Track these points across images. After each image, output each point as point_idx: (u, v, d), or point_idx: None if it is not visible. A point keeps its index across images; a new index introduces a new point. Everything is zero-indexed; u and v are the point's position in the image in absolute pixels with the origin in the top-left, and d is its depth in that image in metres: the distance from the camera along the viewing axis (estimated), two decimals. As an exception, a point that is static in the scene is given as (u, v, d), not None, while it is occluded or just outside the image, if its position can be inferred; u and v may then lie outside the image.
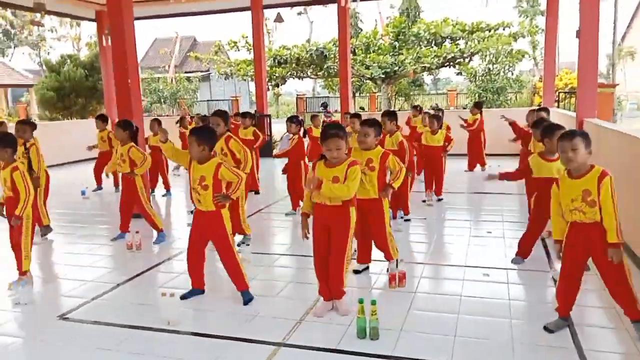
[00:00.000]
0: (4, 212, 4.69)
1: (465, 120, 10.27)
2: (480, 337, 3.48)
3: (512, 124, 7.75)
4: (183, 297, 4.23)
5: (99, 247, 5.96)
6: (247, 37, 20.35)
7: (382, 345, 3.41)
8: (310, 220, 3.90)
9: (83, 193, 9.03)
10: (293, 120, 7.11)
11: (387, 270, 4.56)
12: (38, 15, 11.40)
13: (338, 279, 3.83)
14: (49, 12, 11.65)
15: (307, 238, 3.89)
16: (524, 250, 4.87)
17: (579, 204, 3.29)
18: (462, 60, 20.72)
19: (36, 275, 4.96)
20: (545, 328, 3.52)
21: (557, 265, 4.57)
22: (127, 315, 4.02)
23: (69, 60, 18.91)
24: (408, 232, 6.10)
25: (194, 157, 4.06)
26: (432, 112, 9.94)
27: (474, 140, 10.25)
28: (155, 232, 6.10)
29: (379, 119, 5.21)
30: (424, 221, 6.55)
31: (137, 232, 5.77)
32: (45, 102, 18.15)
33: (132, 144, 5.92)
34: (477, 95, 20.80)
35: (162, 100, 27.68)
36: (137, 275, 4.97)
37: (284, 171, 7.07)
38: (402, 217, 6.46)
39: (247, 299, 4.18)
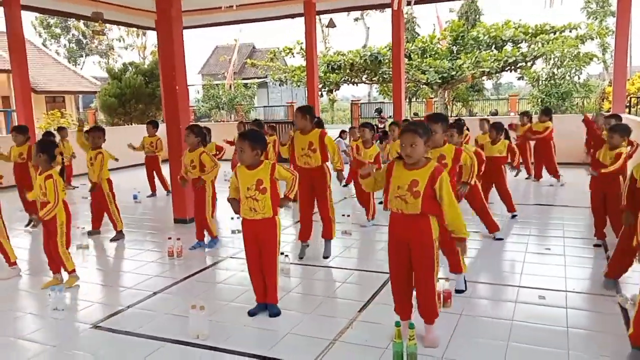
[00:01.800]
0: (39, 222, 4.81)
1: (515, 125, 9.54)
2: (532, 370, 3.12)
3: (588, 123, 6.97)
4: (252, 314, 4.04)
5: (142, 252, 5.97)
6: (302, 43, 20.38)
7: (420, 374, 3.12)
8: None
9: (135, 197, 9.20)
10: (367, 126, 6.84)
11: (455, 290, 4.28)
12: (101, 25, 11.78)
13: (430, 301, 3.38)
14: (111, 22, 12.06)
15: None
16: (614, 271, 4.36)
17: None
18: (524, 64, 19.84)
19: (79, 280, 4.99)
20: None
21: (627, 291, 4.10)
22: (159, 326, 3.93)
23: (130, 68, 19.64)
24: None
25: (246, 162, 3.87)
26: (489, 118, 9.46)
27: (544, 149, 9.33)
28: (207, 238, 6.11)
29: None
30: (477, 235, 6.13)
31: (178, 238, 5.73)
32: (106, 108, 18.91)
33: (203, 149, 5.91)
34: (539, 100, 19.82)
35: (220, 107, 28.30)
36: (175, 283, 4.90)
37: (348, 181, 6.89)
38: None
39: (274, 312, 4.02)
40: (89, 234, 6.64)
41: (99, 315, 4.19)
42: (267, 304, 4.07)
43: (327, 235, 5.49)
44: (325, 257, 5.48)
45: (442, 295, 4.04)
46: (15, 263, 5.24)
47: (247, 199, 3.87)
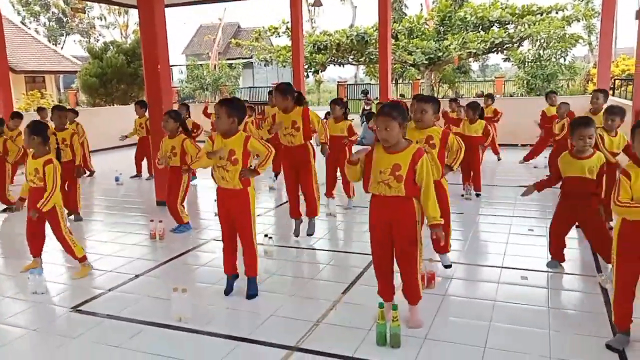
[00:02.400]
0: (21, 207, 4.66)
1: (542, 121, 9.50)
2: (513, 349, 3.13)
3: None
4: (227, 292, 4.06)
5: (123, 235, 5.89)
6: (287, 22, 20.09)
7: (403, 355, 3.12)
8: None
9: (117, 180, 9.06)
10: (338, 102, 6.74)
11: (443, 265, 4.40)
12: (81, 2, 11.44)
13: (413, 282, 3.36)
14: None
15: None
16: (556, 252, 4.43)
17: None
18: (510, 45, 19.81)
19: (57, 263, 4.91)
20: (609, 347, 3.10)
21: (607, 271, 4.14)
22: (141, 310, 3.88)
23: (112, 47, 19.22)
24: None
25: (221, 128, 3.84)
26: (476, 99, 9.52)
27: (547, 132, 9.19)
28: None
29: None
30: (461, 216, 6.14)
31: (160, 221, 5.66)
32: (87, 88, 18.52)
33: (186, 136, 5.75)
34: (525, 82, 19.85)
35: (204, 87, 27.91)
36: (157, 266, 4.85)
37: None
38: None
39: (252, 292, 4.02)
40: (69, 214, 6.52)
41: (79, 298, 4.12)
42: (236, 275, 4.09)
43: (311, 213, 5.47)
44: (310, 234, 5.48)
45: (425, 277, 4.04)
46: None
47: (218, 168, 3.85)
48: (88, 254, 5.35)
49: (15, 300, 4.12)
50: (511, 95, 20.46)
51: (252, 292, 4.03)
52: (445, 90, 25.03)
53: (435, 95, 21.93)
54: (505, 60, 22.01)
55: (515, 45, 19.98)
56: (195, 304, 3.85)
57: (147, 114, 9.15)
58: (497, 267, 4.52)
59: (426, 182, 3.17)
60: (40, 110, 9.83)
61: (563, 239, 4.38)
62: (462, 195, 7.01)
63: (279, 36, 21.68)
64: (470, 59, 22.89)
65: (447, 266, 4.44)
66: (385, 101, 10.83)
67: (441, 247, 4.36)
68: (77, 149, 6.22)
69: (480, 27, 20.16)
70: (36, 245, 4.71)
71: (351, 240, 5.61)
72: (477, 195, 7.12)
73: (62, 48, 38.53)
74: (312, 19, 31.72)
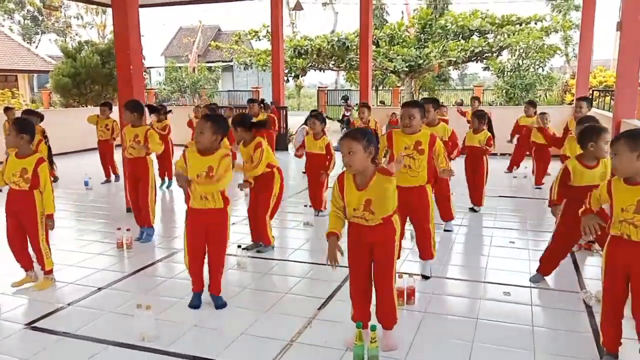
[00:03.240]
0: None
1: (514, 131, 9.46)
2: (497, 373, 2.97)
3: (544, 130, 7.16)
4: (193, 307, 3.87)
5: (89, 244, 5.59)
6: (268, 26, 19.90)
7: (381, 379, 2.92)
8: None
9: (86, 184, 8.72)
10: (319, 117, 6.42)
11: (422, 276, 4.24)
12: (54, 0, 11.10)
13: (390, 305, 3.19)
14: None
15: (335, 265, 3.14)
16: (546, 268, 4.29)
17: (631, 215, 2.75)
18: (490, 54, 19.94)
19: (13, 274, 4.58)
20: None
21: (590, 287, 4.02)
22: (103, 327, 3.61)
23: (86, 47, 18.71)
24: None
25: (204, 145, 3.64)
26: (457, 107, 9.49)
27: (523, 141, 9.18)
28: (139, 228, 5.67)
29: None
30: (439, 227, 5.97)
31: (127, 229, 5.37)
32: (60, 88, 17.97)
33: (150, 126, 5.58)
34: (504, 91, 20.00)
35: (183, 90, 27.48)
36: (123, 278, 4.57)
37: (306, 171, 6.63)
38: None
39: (220, 303, 3.88)
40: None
41: (35, 313, 3.83)
42: (210, 294, 3.92)
43: (264, 240, 5.22)
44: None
45: (405, 292, 3.86)
46: None
47: (198, 184, 3.65)
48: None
49: (-35, 316, 3.81)
50: (490, 104, 20.57)
51: (220, 303, 3.89)
52: (424, 97, 25.09)
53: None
54: (484, 69, 22.17)
55: (495, 54, 20.14)
56: (161, 321, 3.60)
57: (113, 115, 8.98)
58: (479, 282, 4.37)
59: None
60: (7, 110, 9.43)
61: (563, 258, 4.21)
62: (470, 209, 6.77)
63: (260, 40, 21.46)
64: (450, 67, 23.00)
65: (426, 277, 4.31)
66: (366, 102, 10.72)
67: (426, 253, 4.29)
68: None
69: (461, 35, 20.26)
70: (25, 256, 4.34)
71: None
72: (473, 210, 6.69)
73: (36, 47, 37.62)
74: (293, 24, 31.55)
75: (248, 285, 4.36)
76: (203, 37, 35.58)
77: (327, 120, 6.92)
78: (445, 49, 19.30)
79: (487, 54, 19.89)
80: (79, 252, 5.29)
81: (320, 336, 3.42)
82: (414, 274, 4.23)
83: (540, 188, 8.16)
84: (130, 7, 6.52)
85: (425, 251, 4.33)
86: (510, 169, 9.62)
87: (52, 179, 8.21)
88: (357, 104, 18.18)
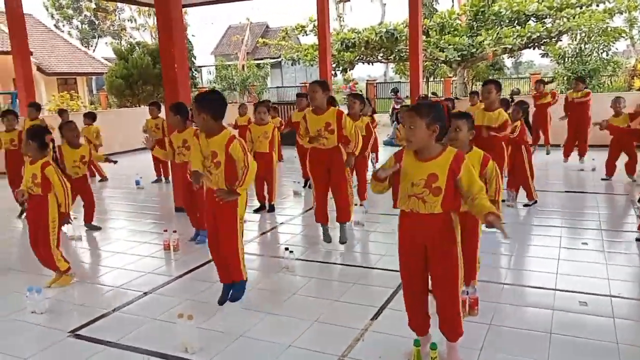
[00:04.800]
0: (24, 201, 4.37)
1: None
2: (579, 400, 2.59)
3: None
4: (220, 303, 3.78)
5: (138, 245, 5.52)
6: (314, 20, 19.65)
7: (443, 404, 2.61)
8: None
9: (137, 183, 8.77)
10: (357, 97, 6.18)
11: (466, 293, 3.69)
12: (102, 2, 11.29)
13: (454, 315, 2.84)
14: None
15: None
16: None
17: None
18: (548, 40, 18.87)
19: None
20: None
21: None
22: (145, 335, 3.47)
23: (138, 48, 19.09)
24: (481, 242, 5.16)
25: (200, 128, 3.58)
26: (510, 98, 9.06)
27: (579, 122, 8.89)
28: (194, 230, 5.56)
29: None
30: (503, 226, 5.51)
31: (174, 231, 5.25)
32: (113, 89, 18.44)
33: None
34: (565, 78, 18.89)
35: (233, 87, 27.73)
36: (168, 282, 4.44)
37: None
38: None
39: (235, 297, 3.76)
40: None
41: (80, 320, 3.74)
42: (231, 285, 3.81)
43: (344, 217, 5.06)
44: (342, 243, 5.08)
45: (467, 302, 3.51)
46: None
47: (204, 169, 3.57)
48: (99, 266, 5.07)
49: (12, 321, 3.76)
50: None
51: (235, 295, 3.77)
52: (478, 87, 24.16)
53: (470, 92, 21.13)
54: (543, 55, 21.03)
55: (554, 40, 19.03)
56: (205, 330, 3.43)
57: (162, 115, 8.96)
58: (549, 289, 3.93)
59: (471, 186, 2.66)
60: (61, 112, 9.65)
61: None
62: (504, 201, 6.35)
63: (307, 34, 21.25)
64: (505, 55, 21.99)
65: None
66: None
67: (466, 277, 3.77)
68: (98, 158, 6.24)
69: (516, 21, 19.26)
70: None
71: (381, 254, 5.08)
72: (527, 205, 6.28)
73: (94, 50, 39.05)
74: (340, 17, 31.20)
75: (296, 290, 4.11)
76: (251, 34, 35.81)
77: (377, 114, 6.60)
78: (500, 36, 18.41)
79: (545, 40, 18.81)
80: (127, 254, 5.23)
81: (374, 351, 3.13)
82: (479, 281, 3.85)
83: (608, 179, 7.53)
84: (173, 6, 6.44)
85: (471, 274, 3.71)
86: (566, 156, 9.06)
87: (100, 178, 8.26)
88: (407, 97, 17.67)
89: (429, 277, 2.85)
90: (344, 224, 5.13)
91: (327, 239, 5.12)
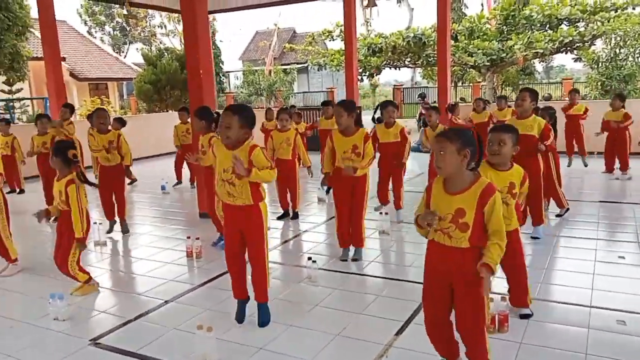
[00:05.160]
0: (50, 220, 4.36)
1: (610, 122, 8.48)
2: None
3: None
4: (238, 320, 3.67)
5: (160, 252, 5.51)
6: (341, 25, 19.58)
7: None
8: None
9: (163, 188, 8.82)
10: (391, 103, 6.04)
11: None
12: (127, 7, 11.49)
13: (477, 354, 2.69)
14: (138, 5, 11.71)
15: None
16: None
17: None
18: (581, 44, 18.37)
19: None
20: None
21: None
22: (164, 346, 3.42)
23: (166, 53, 19.36)
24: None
25: (231, 139, 3.36)
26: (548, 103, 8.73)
27: (616, 138, 8.37)
28: (218, 234, 5.52)
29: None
30: (534, 239, 5.32)
31: (197, 238, 5.22)
32: (142, 94, 18.72)
33: (214, 133, 5.37)
34: (599, 83, 18.37)
35: (260, 92, 27.89)
36: (190, 290, 4.40)
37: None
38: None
39: (265, 320, 3.60)
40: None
41: (101, 328, 3.72)
42: (247, 298, 3.71)
43: (356, 243, 4.91)
44: (355, 260, 4.89)
45: (497, 318, 3.36)
46: (16, 260, 4.96)
47: (222, 182, 3.40)
48: (123, 272, 5.06)
49: (34, 328, 3.76)
50: (583, 98, 18.99)
51: (264, 320, 3.61)
52: (508, 93, 23.72)
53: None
54: (575, 60, 20.53)
55: (587, 44, 18.52)
56: (225, 342, 3.36)
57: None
58: (584, 306, 3.74)
59: (488, 223, 2.51)
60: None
61: None
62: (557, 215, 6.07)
63: (333, 40, 21.17)
64: (536, 60, 21.51)
65: (525, 315, 3.60)
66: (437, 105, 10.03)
67: (519, 300, 3.59)
68: (126, 149, 6.01)
69: (548, 25, 18.83)
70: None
71: (407, 265, 4.95)
72: (559, 215, 6.04)
73: (125, 56, 39.82)
74: (367, 22, 31.05)
75: (319, 302, 4.01)
76: (278, 40, 35.96)
77: (405, 120, 6.48)
78: (531, 40, 18.02)
79: (577, 44, 18.33)
80: (149, 261, 5.22)
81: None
82: (504, 294, 3.68)
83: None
84: (199, 13, 6.45)
85: (519, 298, 3.60)
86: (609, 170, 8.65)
87: (129, 181, 8.29)
88: (434, 102, 17.43)
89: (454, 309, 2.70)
90: (358, 249, 4.96)
91: (344, 258, 4.96)
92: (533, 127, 4.94)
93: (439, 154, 2.52)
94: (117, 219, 6.23)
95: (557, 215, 6.05)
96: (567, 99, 10.09)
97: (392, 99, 24.47)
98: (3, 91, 18.55)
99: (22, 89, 19.30)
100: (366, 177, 4.76)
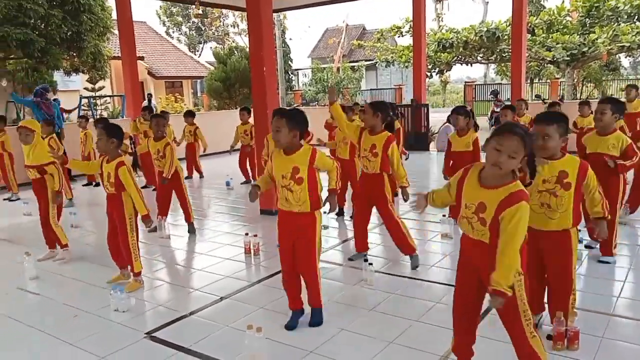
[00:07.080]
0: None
1: None
2: None
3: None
4: (289, 328, 3.56)
5: (220, 247, 5.58)
6: (411, 21, 19.18)
7: None
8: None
9: (227, 184, 8.99)
10: (460, 111, 5.77)
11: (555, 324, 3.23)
12: (197, 7, 11.83)
13: (525, 350, 2.56)
14: (207, 4, 12.02)
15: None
16: None
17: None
18: (674, 37, 16.91)
19: (145, 276, 4.66)
20: None
21: None
22: (217, 343, 3.43)
23: (236, 52, 19.79)
24: (585, 265, 4.59)
25: (282, 143, 3.33)
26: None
27: None
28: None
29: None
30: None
31: (255, 235, 5.23)
32: (212, 91, 19.25)
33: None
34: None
35: (326, 90, 27.92)
36: (246, 287, 4.40)
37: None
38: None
39: (316, 321, 3.55)
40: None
41: (157, 321, 3.80)
42: (301, 310, 3.64)
43: (407, 250, 4.72)
44: (414, 268, 4.67)
45: (567, 335, 3.08)
46: (66, 245, 5.21)
47: (282, 188, 3.37)
48: (181, 267, 5.16)
49: (96, 318, 3.89)
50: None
51: (315, 321, 3.57)
52: (589, 89, 22.31)
53: (579, 96, 19.56)
54: (667, 54, 18.91)
55: (680, 36, 17.02)
56: (275, 343, 3.32)
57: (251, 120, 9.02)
58: (670, 326, 3.37)
59: (507, 236, 2.30)
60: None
61: None
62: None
63: (402, 36, 20.79)
64: (622, 54, 20.07)
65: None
66: (514, 104, 9.47)
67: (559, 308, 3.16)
68: (168, 160, 5.81)
69: (636, 17, 17.51)
70: (119, 255, 4.52)
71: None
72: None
73: (199, 55, 41.27)
74: (439, 17, 30.30)
75: (374, 307, 3.88)
76: (348, 37, 35.87)
77: (476, 118, 6.12)
78: (616, 33, 16.81)
79: (669, 37, 16.90)
80: (208, 256, 5.30)
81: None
82: (578, 310, 3.37)
83: None
84: (263, 10, 6.49)
85: (566, 305, 3.20)
86: None
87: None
88: (507, 99, 16.66)
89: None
90: (412, 256, 4.73)
91: (353, 258, 4.91)
92: (617, 145, 4.31)
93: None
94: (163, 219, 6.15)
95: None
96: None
97: (463, 97, 23.65)
98: (86, 89, 19.76)
99: (104, 87, 20.47)
100: (383, 181, 4.61)
